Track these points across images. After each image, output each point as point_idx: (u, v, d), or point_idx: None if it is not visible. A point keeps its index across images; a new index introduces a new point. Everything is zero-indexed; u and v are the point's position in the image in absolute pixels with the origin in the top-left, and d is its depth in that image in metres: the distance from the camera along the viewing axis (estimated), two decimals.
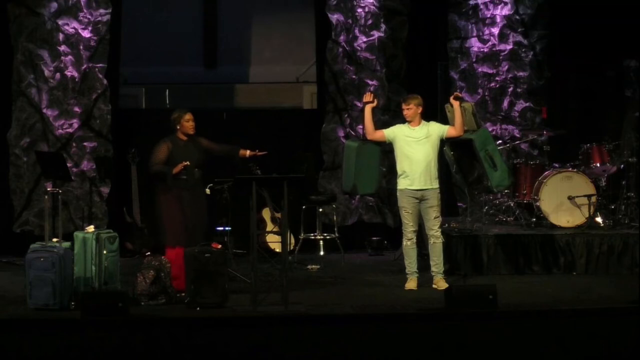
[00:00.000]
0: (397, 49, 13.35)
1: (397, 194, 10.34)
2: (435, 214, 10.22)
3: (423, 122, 10.32)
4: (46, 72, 12.87)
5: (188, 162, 9.99)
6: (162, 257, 9.70)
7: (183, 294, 9.48)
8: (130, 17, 13.45)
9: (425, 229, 10.41)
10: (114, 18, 13.00)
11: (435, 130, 10.28)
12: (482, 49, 13.41)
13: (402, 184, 10.28)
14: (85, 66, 12.94)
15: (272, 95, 14.36)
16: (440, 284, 10.19)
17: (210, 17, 14.48)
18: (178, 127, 10.19)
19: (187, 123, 10.18)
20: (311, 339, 8.56)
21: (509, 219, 12.24)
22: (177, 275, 9.66)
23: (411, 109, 10.27)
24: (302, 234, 12.51)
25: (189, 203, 10.10)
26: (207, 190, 10.70)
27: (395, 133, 10.34)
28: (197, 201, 10.16)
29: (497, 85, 13.43)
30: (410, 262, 10.32)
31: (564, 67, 13.39)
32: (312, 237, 12.67)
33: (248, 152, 10.43)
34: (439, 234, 10.28)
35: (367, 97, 10.46)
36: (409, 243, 10.29)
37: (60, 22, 12.88)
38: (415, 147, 10.21)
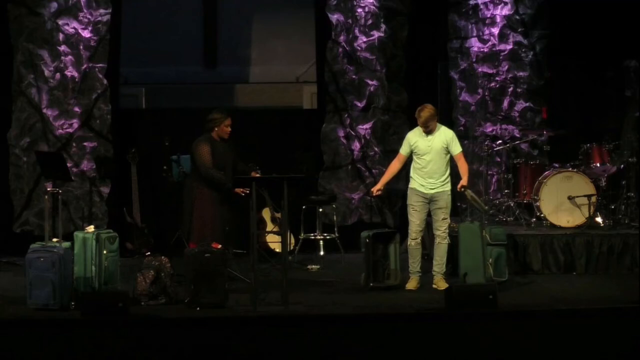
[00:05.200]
0: (397, 49, 13.35)
1: (408, 192, 10.39)
2: (443, 215, 10.27)
3: (438, 125, 10.36)
4: (46, 72, 12.87)
5: (248, 191, 9.83)
6: (162, 257, 9.70)
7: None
8: (130, 17, 13.45)
9: (431, 230, 10.44)
10: (114, 18, 13.00)
11: (442, 141, 10.28)
12: (482, 49, 13.41)
13: (413, 184, 10.37)
14: (85, 66, 12.94)
15: (272, 95, 14.35)
16: (440, 284, 10.19)
17: (210, 17, 14.48)
18: (216, 129, 10.17)
19: (227, 128, 10.26)
20: (311, 339, 8.56)
21: (509, 219, 12.24)
22: None
23: (429, 126, 10.26)
24: (302, 234, 12.51)
25: (224, 206, 10.08)
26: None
27: (410, 142, 10.39)
28: (228, 205, 10.10)
29: (497, 85, 13.42)
30: (414, 262, 10.32)
31: (564, 67, 13.38)
32: (312, 237, 12.66)
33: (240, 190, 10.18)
34: (445, 234, 10.31)
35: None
36: (413, 243, 10.30)
37: (60, 22, 12.88)
38: (427, 153, 10.27)
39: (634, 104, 12.54)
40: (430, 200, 10.26)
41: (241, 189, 10.00)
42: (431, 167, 10.25)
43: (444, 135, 10.30)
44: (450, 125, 13.35)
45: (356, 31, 13.27)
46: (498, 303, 9.00)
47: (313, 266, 11.77)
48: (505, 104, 13.42)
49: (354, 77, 13.30)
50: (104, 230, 9.76)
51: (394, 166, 10.54)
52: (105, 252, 9.48)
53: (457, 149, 10.30)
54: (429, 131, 10.26)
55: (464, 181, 10.27)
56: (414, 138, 10.36)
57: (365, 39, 13.28)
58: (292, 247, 12.16)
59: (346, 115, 13.33)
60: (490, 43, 13.39)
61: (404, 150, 10.44)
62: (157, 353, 8.37)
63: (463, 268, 10.35)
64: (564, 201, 11.77)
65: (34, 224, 12.82)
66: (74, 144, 12.94)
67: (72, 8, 12.89)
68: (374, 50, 13.28)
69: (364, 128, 13.29)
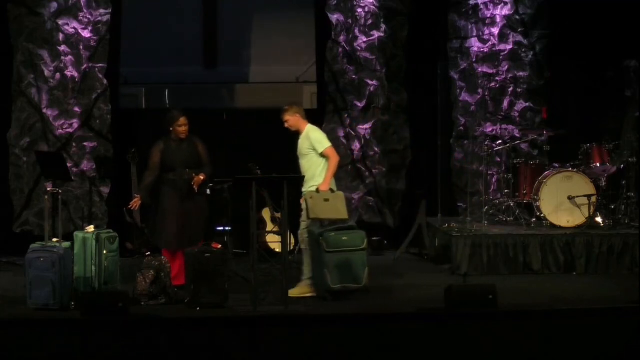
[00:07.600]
0: (397, 49, 13.35)
1: None
2: (302, 217, 9.98)
3: (307, 127, 10.08)
4: (46, 72, 12.88)
5: (137, 200, 10.11)
6: (162, 257, 9.72)
7: (177, 289, 9.53)
8: (130, 17, 13.45)
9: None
10: (114, 18, 13.01)
11: (303, 143, 10.02)
12: (482, 49, 13.41)
13: None
14: (85, 66, 12.95)
15: (272, 95, 14.33)
16: (295, 290, 9.81)
17: (210, 17, 14.47)
18: (171, 129, 10.19)
19: (180, 128, 10.17)
20: (311, 339, 8.56)
21: (509, 219, 12.23)
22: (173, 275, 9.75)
23: (287, 121, 10.07)
24: None
25: (177, 204, 10.11)
26: (207, 190, 10.65)
27: None
28: (187, 203, 10.11)
29: (497, 85, 13.42)
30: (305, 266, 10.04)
31: (564, 67, 13.38)
32: None
33: (195, 182, 10.13)
34: (302, 238, 9.99)
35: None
36: (302, 246, 10.07)
37: (60, 22, 12.88)
38: (299, 156, 10.10)
39: (634, 104, 12.53)
40: None
41: (134, 201, 10.16)
42: (304, 169, 9.99)
43: (306, 136, 10.04)
44: (451, 125, 13.37)
45: (356, 31, 13.27)
46: (498, 303, 9.00)
47: None
48: (505, 104, 13.42)
49: (354, 77, 13.30)
50: (104, 230, 9.75)
51: None
52: (105, 252, 9.48)
53: (320, 146, 9.96)
54: (294, 133, 10.03)
55: (321, 184, 9.85)
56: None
57: (365, 39, 13.28)
58: (292, 247, 12.15)
59: (346, 115, 13.33)
60: (490, 43, 13.39)
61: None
62: (157, 353, 8.37)
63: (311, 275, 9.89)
64: (564, 201, 11.76)
65: (34, 224, 12.83)
66: (74, 144, 12.94)
67: (72, 8, 12.90)
68: (374, 50, 13.28)
69: (364, 128, 13.29)
